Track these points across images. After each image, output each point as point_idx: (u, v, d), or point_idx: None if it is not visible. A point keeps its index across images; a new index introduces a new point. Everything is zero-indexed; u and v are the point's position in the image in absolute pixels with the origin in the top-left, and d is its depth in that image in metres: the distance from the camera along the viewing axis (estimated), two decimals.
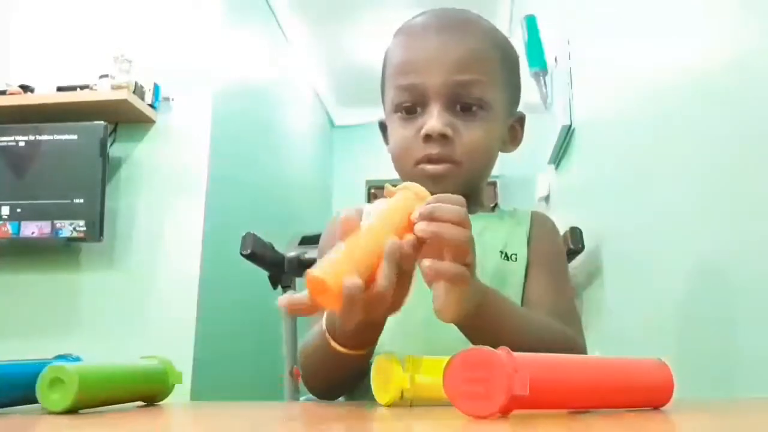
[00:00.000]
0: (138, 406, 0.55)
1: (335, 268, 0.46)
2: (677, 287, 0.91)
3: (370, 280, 0.47)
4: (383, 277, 0.48)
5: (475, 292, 0.55)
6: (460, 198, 0.53)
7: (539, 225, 0.78)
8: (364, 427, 0.43)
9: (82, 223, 2.23)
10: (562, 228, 1.10)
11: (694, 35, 0.87)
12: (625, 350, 1.19)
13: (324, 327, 0.60)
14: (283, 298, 0.50)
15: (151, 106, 2.41)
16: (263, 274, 1.64)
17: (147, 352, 0.62)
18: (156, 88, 2.42)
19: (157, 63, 2.45)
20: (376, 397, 0.53)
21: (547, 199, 2.17)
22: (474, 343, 0.57)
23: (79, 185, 2.25)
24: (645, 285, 1.09)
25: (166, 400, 0.58)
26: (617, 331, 1.28)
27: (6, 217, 2.26)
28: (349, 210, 0.57)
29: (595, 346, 1.24)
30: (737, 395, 0.72)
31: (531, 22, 1.99)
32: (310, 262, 1.48)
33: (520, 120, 0.81)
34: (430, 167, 0.71)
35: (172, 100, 2.47)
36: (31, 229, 2.25)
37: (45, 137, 2.30)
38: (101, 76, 2.31)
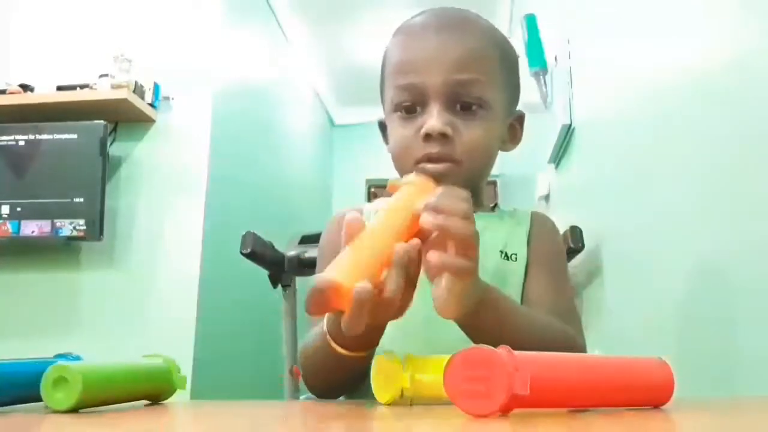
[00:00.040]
0: (143, 405, 0.55)
1: (346, 273, 0.46)
2: (677, 287, 0.91)
3: (375, 284, 0.47)
4: (392, 283, 0.48)
5: (477, 289, 0.55)
6: (466, 192, 0.53)
7: (539, 225, 0.78)
8: (365, 426, 0.43)
9: (82, 222, 2.23)
10: (562, 227, 1.10)
11: (694, 35, 0.87)
12: (625, 350, 1.18)
13: (325, 328, 0.60)
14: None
15: (151, 105, 2.41)
16: (263, 273, 1.64)
17: (147, 352, 0.62)
18: (156, 88, 2.42)
19: (157, 62, 2.45)
20: (376, 396, 0.53)
21: (547, 198, 2.18)
22: (474, 341, 0.57)
23: (79, 184, 2.25)
24: (645, 285, 1.09)
25: (167, 400, 0.58)
26: (617, 331, 1.28)
27: (6, 216, 2.26)
28: (350, 211, 0.57)
29: (595, 345, 1.24)
30: (737, 394, 0.72)
31: (531, 22, 1.98)
32: (310, 261, 1.48)
33: (520, 119, 0.81)
34: (430, 166, 0.71)
35: (172, 99, 2.47)
36: (31, 228, 2.24)
37: (45, 136, 2.30)
38: (101, 76, 2.31)
